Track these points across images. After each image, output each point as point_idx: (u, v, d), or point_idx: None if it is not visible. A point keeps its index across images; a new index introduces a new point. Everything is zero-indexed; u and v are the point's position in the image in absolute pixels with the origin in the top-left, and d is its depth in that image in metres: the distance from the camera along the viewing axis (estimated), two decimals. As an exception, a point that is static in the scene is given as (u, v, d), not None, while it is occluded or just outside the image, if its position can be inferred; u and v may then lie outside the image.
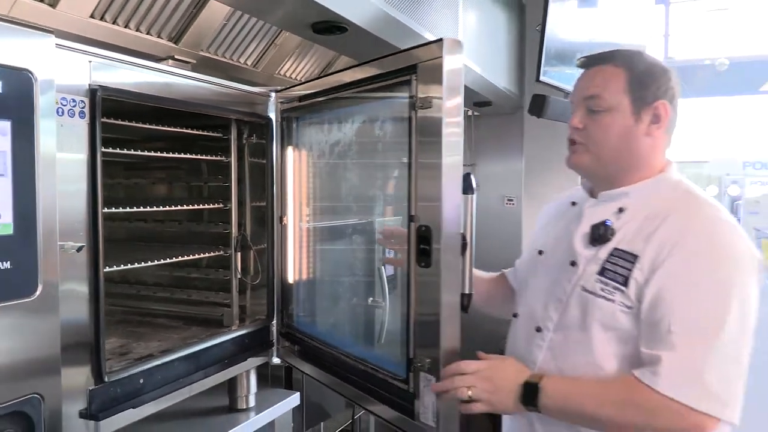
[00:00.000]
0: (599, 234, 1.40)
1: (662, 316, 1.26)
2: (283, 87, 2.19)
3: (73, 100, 1.43)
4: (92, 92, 1.47)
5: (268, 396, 2.27)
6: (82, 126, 1.46)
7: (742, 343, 1.26)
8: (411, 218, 1.53)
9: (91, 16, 2.12)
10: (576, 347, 1.39)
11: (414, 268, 1.52)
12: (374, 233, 2.64)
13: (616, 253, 1.37)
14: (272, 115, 2.16)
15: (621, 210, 1.42)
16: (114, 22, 2.24)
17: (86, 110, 1.46)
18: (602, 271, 1.37)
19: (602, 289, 1.35)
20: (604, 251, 1.39)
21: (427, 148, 1.48)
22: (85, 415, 1.49)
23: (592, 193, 1.52)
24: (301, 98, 2.09)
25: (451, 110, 1.43)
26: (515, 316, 1.61)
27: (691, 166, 11.42)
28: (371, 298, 2.80)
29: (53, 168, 1.31)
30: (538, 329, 1.47)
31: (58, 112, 1.38)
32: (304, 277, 2.29)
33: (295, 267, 2.25)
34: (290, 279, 2.25)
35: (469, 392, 1.37)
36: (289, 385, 2.47)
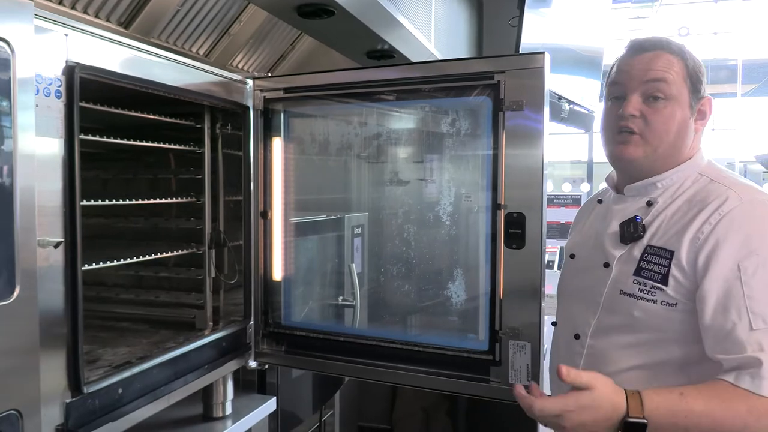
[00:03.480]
0: (629, 232, 1.34)
1: (737, 315, 1.16)
2: (261, 75, 2.07)
3: (49, 79, 1.27)
4: (69, 70, 1.31)
5: (245, 402, 2.14)
6: (58, 107, 1.30)
7: None
8: (498, 206, 1.68)
9: (34, -5, 1.94)
10: (619, 353, 1.32)
11: (502, 250, 1.67)
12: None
13: (650, 250, 1.30)
14: (250, 104, 2.02)
15: (650, 204, 1.36)
16: (60, 3, 2.06)
17: (62, 90, 1.30)
18: (638, 271, 1.30)
19: (641, 290, 1.29)
20: (638, 249, 1.32)
21: (520, 144, 1.65)
22: (61, 430, 1.33)
23: (618, 188, 1.45)
24: (303, 89, 1.99)
25: (544, 113, 1.62)
26: (554, 324, 1.57)
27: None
28: (341, 297, 2.75)
29: (32, 153, 1.16)
30: (577, 336, 1.42)
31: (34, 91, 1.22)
32: (292, 272, 2.19)
33: (283, 263, 2.12)
34: (276, 276, 2.12)
35: None
36: (262, 390, 2.34)
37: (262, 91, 2.03)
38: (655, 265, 1.27)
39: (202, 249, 2.06)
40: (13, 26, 1.11)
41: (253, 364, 2.12)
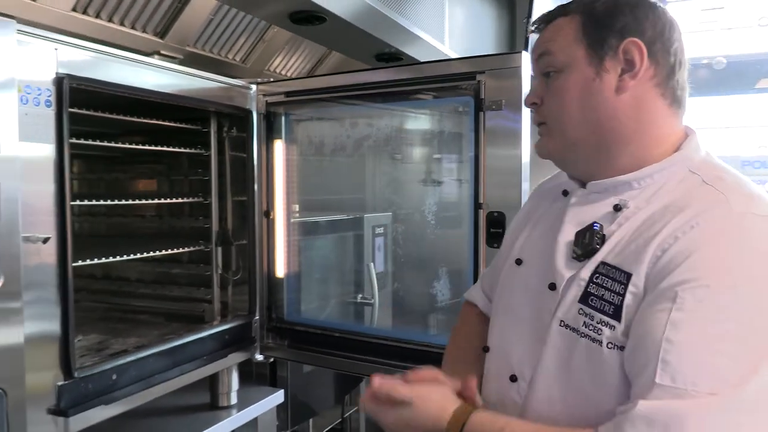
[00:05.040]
0: (584, 243, 0.98)
1: (645, 358, 0.84)
2: (264, 80, 2.16)
3: (38, 89, 1.40)
4: (59, 81, 1.43)
5: (251, 393, 2.24)
6: (48, 116, 1.43)
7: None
8: (479, 206, 1.73)
9: (73, 10, 2.10)
10: (561, 409, 0.97)
11: (484, 248, 1.72)
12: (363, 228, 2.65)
13: (603, 269, 0.94)
14: (253, 108, 2.12)
15: (618, 208, 0.98)
16: (97, 16, 2.22)
17: (53, 99, 1.43)
18: (584, 297, 0.95)
19: (585, 324, 0.94)
20: (588, 268, 0.96)
21: (501, 143, 1.69)
22: (53, 411, 1.45)
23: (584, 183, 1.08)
24: (301, 93, 2.09)
25: (521, 113, 1.67)
26: (486, 350, 1.16)
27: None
28: (360, 295, 2.82)
29: (14, 157, 1.28)
30: (513, 378, 1.05)
31: (21, 101, 1.35)
32: (295, 270, 2.27)
33: (285, 261, 2.22)
34: (279, 273, 2.22)
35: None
36: (274, 382, 2.44)
37: (264, 95, 2.13)
38: (607, 292, 0.93)
39: (210, 246, 2.18)
40: (-6, 42, 1.23)
41: (259, 357, 2.22)
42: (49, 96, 1.42)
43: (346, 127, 2.08)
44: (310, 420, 2.82)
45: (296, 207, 2.24)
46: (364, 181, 2.67)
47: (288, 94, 2.08)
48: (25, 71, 1.35)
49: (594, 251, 0.97)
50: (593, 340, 0.92)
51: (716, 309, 0.83)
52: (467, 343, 1.26)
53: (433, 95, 1.86)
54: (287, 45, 3.15)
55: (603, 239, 0.97)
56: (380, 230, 2.80)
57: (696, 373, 0.81)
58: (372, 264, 2.66)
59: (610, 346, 0.90)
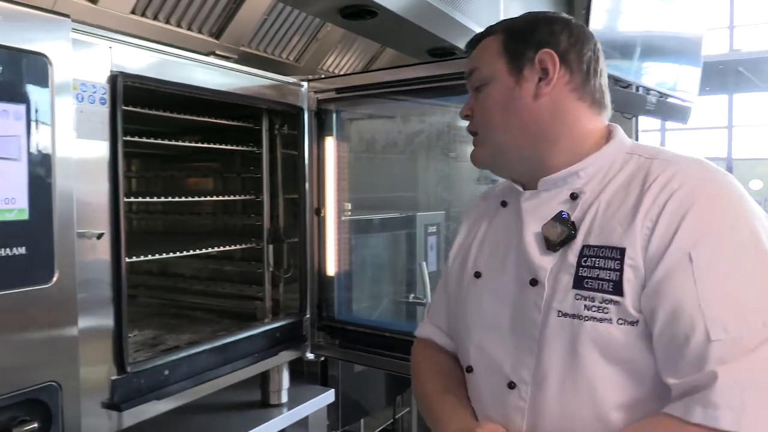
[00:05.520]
0: (556, 233, 1.02)
1: (690, 324, 0.87)
2: (316, 77, 2.15)
3: (93, 87, 1.42)
4: (113, 78, 1.45)
5: (302, 392, 2.23)
6: (102, 113, 1.45)
7: None
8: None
9: (132, 12, 2.15)
10: (572, 399, 0.98)
11: None
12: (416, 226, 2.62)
13: (589, 252, 0.98)
14: (304, 105, 2.11)
15: (575, 196, 1.04)
16: (155, 18, 2.27)
17: (107, 97, 1.45)
18: (578, 282, 0.97)
19: (587, 307, 0.95)
20: (572, 254, 1.00)
21: None
22: (107, 405, 1.47)
23: (526, 184, 1.13)
24: (352, 89, 2.06)
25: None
26: (469, 371, 1.15)
27: (764, 164, 10.78)
28: (412, 294, 2.78)
29: (70, 154, 1.30)
30: (511, 385, 1.04)
31: (77, 98, 1.37)
32: (345, 268, 2.26)
33: (336, 259, 2.21)
34: (330, 271, 2.21)
35: None
36: (325, 382, 2.43)
37: (315, 92, 2.11)
38: (602, 271, 0.95)
39: (261, 244, 2.18)
40: (51, 41, 1.25)
41: (310, 355, 2.21)
42: (103, 94, 1.44)
43: (397, 124, 2.05)
44: (362, 420, 2.80)
45: (347, 205, 2.22)
46: (416, 179, 2.64)
47: (339, 90, 2.06)
48: (80, 69, 1.37)
49: (571, 237, 1.00)
50: (600, 320, 0.95)
51: (733, 256, 0.90)
52: (443, 374, 1.23)
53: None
54: (340, 43, 3.15)
55: (574, 225, 1.01)
56: (433, 229, 2.77)
57: (744, 316, 0.86)
58: (424, 263, 2.63)
59: (620, 322, 0.93)
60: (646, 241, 0.93)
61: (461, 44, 2.43)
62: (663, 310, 0.90)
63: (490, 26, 1.17)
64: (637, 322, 0.92)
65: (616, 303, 0.93)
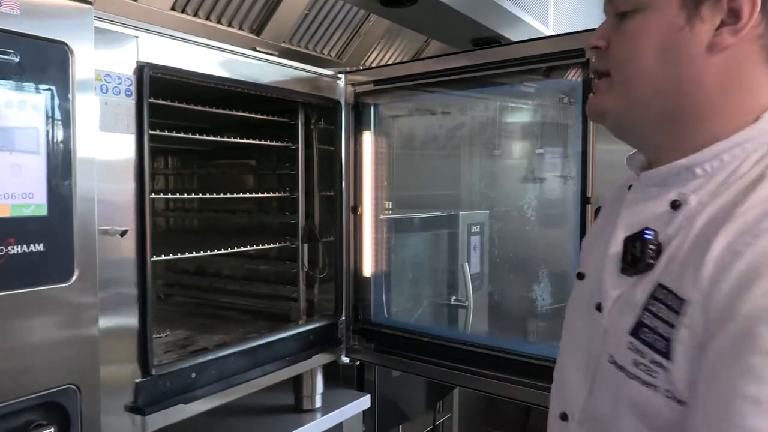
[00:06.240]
0: (633, 256, 0.76)
1: (720, 417, 0.63)
2: (353, 68, 2.06)
3: (119, 78, 1.36)
4: (139, 69, 1.39)
5: (337, 397, 2.15)
6: (128, 105, 1.39)
7: None
8: (587, 200, 1.58)
9: (172, 9, 2.11)
10: None
11: None
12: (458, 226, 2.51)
13: (660, 294, 0.71)
14: (341, 99, 2.03)
15: (676, 205, 0.75)
16: (195, 15, 2.22)
17: (133, 88, 1.39)
18: (637, 329, 0.73)
19: (636, 363, 0.72)
20: (643, 289, 0.74)
21: None
22: (131, 408, 1.42)
23: (652, 164, 0.85)
24: (390, 80, 1.96)
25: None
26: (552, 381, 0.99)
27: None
28: (453, 297, 2.67)
29: (92, 147, 1.24)
30: (563, 416, 0.88)
31: (102, 90, 1.32)
32: (383, 269, 2.17)
33: (372, 259, 2.12)
34: (366, 272, 2.12)
35: None
36: (361, 386, 2.34)
37: (353, 85, 2.03)
38: (661, 323, 0.70)
39: (296, 243, 2.10)
40: (72, 29, 1.19)
41: (345, 359, 2.12)
42: (129, 85, 1.39)
43: (438, 118, 1.94)
44: (400, 426, 2.70)
45: (386, 203, 2.13)
46: (458, 176, 2.52)
47: (377, 82, 1.97)
48: (105, 60, 1.32)
49: (647, 267, 0.74)
50: (645, 383, 0.71)
51: None
52: None
53: (535, 78, 1.68)
54: (383, 39, 3.05)
55: (659, 250, 0.74)
56: (476, 228, 2.64)
57: None
58: (467, 264, 2.51)
59: (668, 395, 0.69)
60: (708, 295, 0.65)
61: (507, 34, 2.31)
62: (703, 391, 0.65)
63: None
64: (683, 402, 0.68)
65: (664, 368, 0.69)
